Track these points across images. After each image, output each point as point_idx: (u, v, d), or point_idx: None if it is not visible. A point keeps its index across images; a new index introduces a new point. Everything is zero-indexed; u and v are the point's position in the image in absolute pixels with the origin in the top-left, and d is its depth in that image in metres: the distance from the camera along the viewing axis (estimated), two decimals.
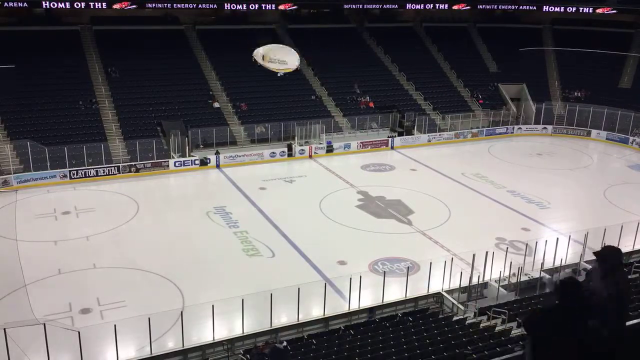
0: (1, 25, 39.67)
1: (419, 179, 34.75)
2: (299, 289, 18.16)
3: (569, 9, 49.67)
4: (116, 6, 40.46)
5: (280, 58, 26.60)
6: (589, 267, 21.08)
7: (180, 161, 35.21)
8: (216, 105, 40.25)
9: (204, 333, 17.76)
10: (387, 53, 49.29)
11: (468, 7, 51.13)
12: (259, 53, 26.82)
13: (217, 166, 35.96)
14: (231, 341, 17.38)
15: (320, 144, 39.12)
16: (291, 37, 48.26)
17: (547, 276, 20.91)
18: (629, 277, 18.71)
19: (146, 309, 18.11)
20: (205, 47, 44.78)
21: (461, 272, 20.05)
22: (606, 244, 19.61)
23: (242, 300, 17.46)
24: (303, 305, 18.51)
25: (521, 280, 20.37)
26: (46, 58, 38.94)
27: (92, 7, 39.75)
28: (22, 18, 41.32)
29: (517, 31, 52.54)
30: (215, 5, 44.13)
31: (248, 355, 16.28)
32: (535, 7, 51.63)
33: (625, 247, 22.19)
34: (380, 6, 50.92)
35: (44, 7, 38.95)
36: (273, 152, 37.61)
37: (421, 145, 41.60)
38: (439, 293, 20.13)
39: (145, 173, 34.19)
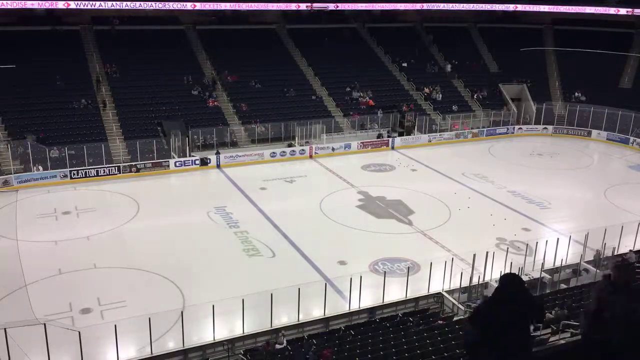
0: (1, 25, 39.67)
1: (419, 179, 34.73)
2: (299, 289, 18.15)
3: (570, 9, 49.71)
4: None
5: None
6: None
7: (181, 161, 35.19)
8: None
9: (204, 333, 17.76)
10: (387, 53, 49.31)
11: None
12: None
13: (218, 166, 35.93)
14: (231, 341, 17.38)
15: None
16: (291, 37, 48.30)
17: (548, 276, 20.91)
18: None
19: (146, 309, 18.10)
20: (206, 47, 44.78)
21: (461, 273, 20.04)
22: (606, 244, 19.45)
23: (242, 300, 17.44)
24: (303, 305, 18.50)
25: None
26: (46, 58, 38.92)
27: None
28: (22, 18, 41.31)
29: (517, 31, 52.48)
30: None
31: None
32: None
33: (626, 247, 22.16)
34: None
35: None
36: (273, 152, 37.57)
37: (421, 145, 41.58)
38: (440, 293, 20.12)
39: (146, 173, 34.18)
